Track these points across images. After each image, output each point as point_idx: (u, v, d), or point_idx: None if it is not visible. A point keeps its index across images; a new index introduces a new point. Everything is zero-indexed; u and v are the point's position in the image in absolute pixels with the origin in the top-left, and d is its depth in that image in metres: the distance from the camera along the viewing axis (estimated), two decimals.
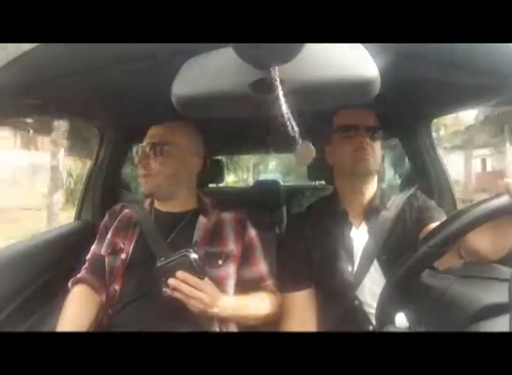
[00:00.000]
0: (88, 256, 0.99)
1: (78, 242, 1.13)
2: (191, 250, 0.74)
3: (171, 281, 0.71)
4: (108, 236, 0.96)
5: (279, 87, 0.45)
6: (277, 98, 0.45)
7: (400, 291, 0.56)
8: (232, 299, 0.84)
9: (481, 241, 0.62)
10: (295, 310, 0.88)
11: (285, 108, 0.45)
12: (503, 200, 0.51)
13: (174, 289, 0.72)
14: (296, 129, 0.46)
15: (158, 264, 0.73)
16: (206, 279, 0.75)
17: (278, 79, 0.45)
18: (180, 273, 0.72)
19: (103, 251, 0.94)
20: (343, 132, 0.90)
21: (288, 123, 0.46)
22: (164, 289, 0.73)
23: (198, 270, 0.73)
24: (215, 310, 0.76)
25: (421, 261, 0.54)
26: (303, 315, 0.88)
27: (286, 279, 0.92)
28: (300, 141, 0.48)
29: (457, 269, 0.57)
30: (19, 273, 0.97)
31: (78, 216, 1.39)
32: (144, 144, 0.94)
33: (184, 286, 0.72)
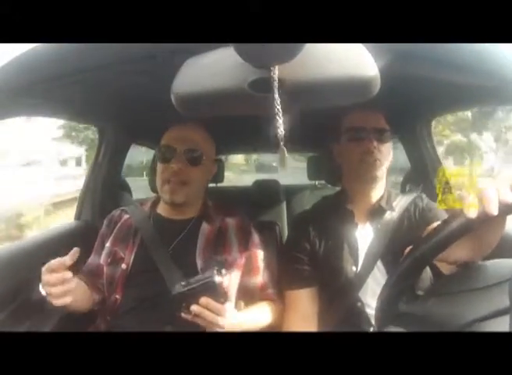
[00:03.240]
0: (83, 268, 0.95)
1: (78, 242, 1.12)
2: (215, 272, 0.69)
3: (194, 308, 0.67)
4: (108, 244, 0.93)
5: (279, 87, 0.45)
6: (276, 97, 0.45)
7: (398, 293, 0.56)
8: (244, 317, 0.82)
9: (459, 253, 0.61)
10: (297, 308, 0.88)
11: (277, 108, 0.45)
12: (458, 223, 0.49)
13: (195, 315, 0.68)
14: (281, 131, 0.46)
15: (180, 290, 0.68)
16: (227, 302, 0.72)
17: (277, 78, 0.45)
18: (204, 300, 0.67)
19: (102, 260, 0.92)
20: (351, 134, 0.90)
21: (277, 123, 0.46)
22: (183, 314, 0.69)
23: (220, 294, 0.69)
24: (228, 329, 0.73)
25: (392, 297, 0.54)
26: (304, 313, 0.88)
27: (289, 276, 0.92)
28: (281, 144, 0.47)
29: (433, 289, 0.57)
30: (19, 273, 0.97)
31: (78, 216, 1.39)
32: (170, 145, 0.89)
33: (207, 313, 0.68)
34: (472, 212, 0.47)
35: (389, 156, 0.92)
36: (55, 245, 1.15)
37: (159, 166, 0.91)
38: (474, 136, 14.08)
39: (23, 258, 1.01)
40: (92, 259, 0.96)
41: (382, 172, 0.90)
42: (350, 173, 0.93)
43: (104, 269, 0.91)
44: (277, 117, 0.45)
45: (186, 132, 0.91)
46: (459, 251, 0.59)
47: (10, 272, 0.95)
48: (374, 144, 0.87)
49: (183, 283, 0.69)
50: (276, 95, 0.45)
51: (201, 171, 0.91)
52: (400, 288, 0.55)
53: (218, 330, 0.71)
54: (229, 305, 0.73)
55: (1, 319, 0.86)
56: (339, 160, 0.96)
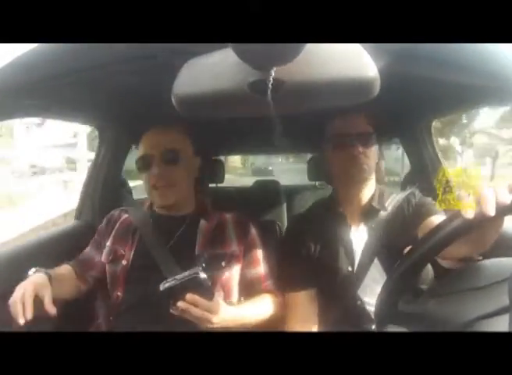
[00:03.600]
0: (79, 257, 0.99)
1: (78, 242, 1.13)
2: (200, 268, 0.71)
3: (180, 304, 0.69)
4: (108, 243, 0.95)
5: (279, 88, 0.45)
6: (276, 98, 0.45)
7: (399, 293, 0.56)
8: (238, 311, 0.83)
9: (457, 250, 0.62)
10: (296, 310, 0.89)
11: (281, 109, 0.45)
12: (457, 222, 0.50)
13: (183, 311, 0.70)
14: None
15: (166, 285, 0.70)
16: (215, 297, 0.73)
17: (277, 79, 0.45)
18: (190, 296, 0.69)
19: (103, 258, 0.94)
20: (336, 141, 0.91)
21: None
22: (171, 310, 0.71)
23: (207, 290, 0.71)
24: (221, 324, 0.74)
25: (391, 294, 0.54)
26: (304, 315, 0.88)
27: (287, 279, 0.92)
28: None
29: (434, 289, 0.58)
30: (19, 273, 0.97)
31: (78, 216, 1.39)
32: (146, 153, 0.91)
33: (194, 309, 0.69)
34: (469, 213, 0.47)
35: (376, 158, 0.92)
36: (55, 245, 1.15)
37: (142, 174, 0.93)
38: (442, 141, 14.92)
39: (24, 258, 1.02)
40: (88, 251, 0.99)
41: (370, 174, 0.91)
42: (340, 178, 0.95)
43: (106, 267, 0.92)
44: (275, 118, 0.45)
45: (158, 136, 0.93)
46: (457, 248, 0.60)
47: (11, 272, 0.95)
48: (359, 150, 0.87)
49: (169, 279, 0.70)
50: (280, 95, 0.45)
51: (183, 169, 0.93)
52: (400, 287, 0.55)
53: (210, 325, 0.72)
54: (218, 301, 0.74)
55: (1, 319, 0.86)
56: (328, 164, 0.97)
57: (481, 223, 0.48)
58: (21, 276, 0.97)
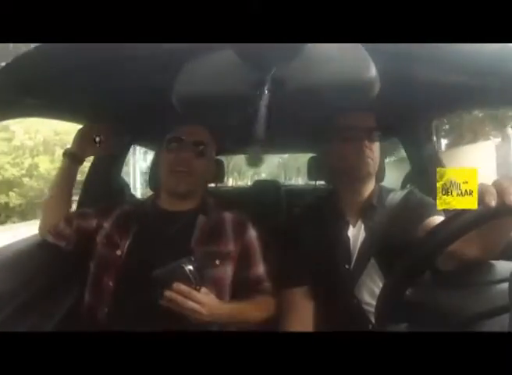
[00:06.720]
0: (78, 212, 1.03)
1: None
2: (187, 260, 0.72)
3: (166, 293, 0.70)
4: (106, 225, 0.94)
5: (278, 88, 0.45)
6: (276, 98, 0.45)
7: (398, 292, 0.56)
8: (228, 307, 0.83)
9: (470, 250, 0.62)
10: (293, 306, 0.89)
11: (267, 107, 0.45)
12: (473, 214, 0.49)
13: (169, 301, 0.70)
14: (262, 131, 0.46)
15: (154, 274, 0.71)
16: (203, 289, 0.74)
17: (277, 80, 0.45)
18: (176, 285, 0.70)
19: (98, 239, 0.93)
20: (344, 133, 0.91)
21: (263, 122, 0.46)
22: (160, 301, 0.71)
23: (194, 281, 0.72)
24: (212, 318, 0.75)
25: (396, 289, 0.54)
26: (300, 311, 0.88)
27: (284, 275, 0.93)
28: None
29: (440, 280, 0.58)
30: (18, 273, 0.97)
31: None
32: (179, 136, 0.93)
33: (180, 298, 0.70)
34: (492, 202, 0.46)
35: (379, 156, 0.93)
36: (55, 245, 1.15)
37: (166, 156, 0.94)
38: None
39: (24, 258, 1.01)
40: (88, 210, 1.01)
41: (373, 170, 0.91)
42: (341, 172, 0.94)
43: (98, 246, 0.92)
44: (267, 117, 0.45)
45: (194, 127, 0.96)
46: (468, 248, 0.60)
47: (11, 272, 0.95)
48: (366, 144, 0.88)
49: (160, 268, 0.72)
50: (274, 96, 0.45)
51: (205, 164, 0.95)
52: (407, 278, 0.55)
53: (200, 317, 0.72)
54: (206, 292, 0.75)
55: (1, 319, 0.86)
56: (330, 160, 0.96)
57: (499, 214, 0.48)
58: (22, 276, 0.97)
